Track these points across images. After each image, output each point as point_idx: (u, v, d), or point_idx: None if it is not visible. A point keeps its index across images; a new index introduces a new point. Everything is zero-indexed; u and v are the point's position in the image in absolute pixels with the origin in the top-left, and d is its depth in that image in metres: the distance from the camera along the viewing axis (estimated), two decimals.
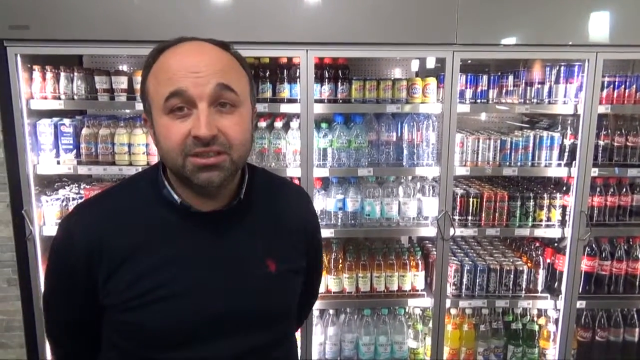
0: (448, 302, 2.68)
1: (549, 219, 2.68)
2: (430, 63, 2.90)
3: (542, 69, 2.60)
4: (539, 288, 2.73)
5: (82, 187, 2.69)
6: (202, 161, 0.97)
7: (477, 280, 2.68)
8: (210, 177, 0.98)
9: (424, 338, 2.79)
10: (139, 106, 2.44)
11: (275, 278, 1.10)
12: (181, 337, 1.02)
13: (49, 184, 2.69)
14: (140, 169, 2.45)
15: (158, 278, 1.01)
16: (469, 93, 2.58)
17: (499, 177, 2.97)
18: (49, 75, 2.43)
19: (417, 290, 2.72)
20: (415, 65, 3.04)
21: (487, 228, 2.66)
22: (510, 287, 2.69)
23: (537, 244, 2.84)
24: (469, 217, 2.67)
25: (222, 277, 1.05)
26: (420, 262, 2.73)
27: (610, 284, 2.73)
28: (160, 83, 0.98)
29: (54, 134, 2.48)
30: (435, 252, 2.68)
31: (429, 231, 2.65)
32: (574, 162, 2.58)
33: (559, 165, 2.63)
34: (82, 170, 2.50)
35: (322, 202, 2.63)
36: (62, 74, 2.45)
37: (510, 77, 2.63)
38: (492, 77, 2.60)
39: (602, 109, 2.52)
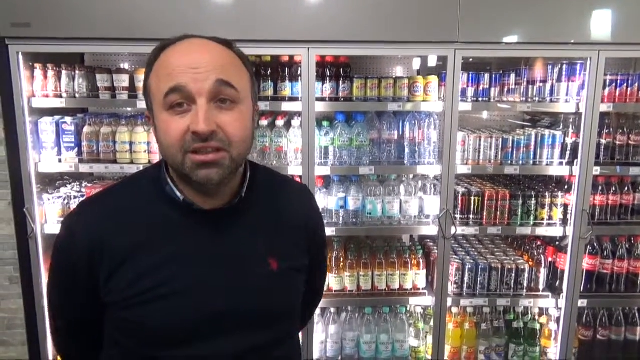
0: (449, 301, 2.68)
1: (550, 218, 2.68)
2: (432, 61, 2.89)
3: (544, 67, 2.59)
4: (541, 287, 2.73)
5: (83, 185, 2.69)
6: (200, 158, 0.97)
7: (479, 279, 2.68)
8: (209, 174, 0.98)
9: (425, 336, 2.79)
10: (141, 104, 2.45)
11: (278, 276, 1.10)
12: (182, 335, 1.02)
13: (50, 182, 2.70)
14: (141, 167, 2.45)
15: (159, 276, 1.01)
16: (470, 91, 2.58)
17: (500, 175, 2.97)
18: (50, 73, 2.44)
19: (419, 289, 2.72)
20: (416, 64, 3.03)
21: (488, 226, 2.66)
22: (512, 286, 2.69)
23: (539, 243, 2.84)
24: (471, 216, 2.67)
25: (223, 275, 1.05)
26: (421, 260, 2.73)
27: (612, 283, 2.73)
28: (160, 79, 0.98)
29: (56, 132, 2.49)
30: (436, 251, 2.68)
31: (431, 230, 2.64)
32: (575, 161, 2.58)
33: (561, 163, 2.62)
34: (84, 168, 2.50)
35: (324, 201, 2.63)
36: (64, 72, 2.45)
37: (512, 76, 2.62)
38: (493, 76, 2.60)
39: (604, 108, 2.52)
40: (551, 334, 2.76)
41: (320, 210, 2.59)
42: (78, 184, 2.72)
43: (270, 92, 2.51)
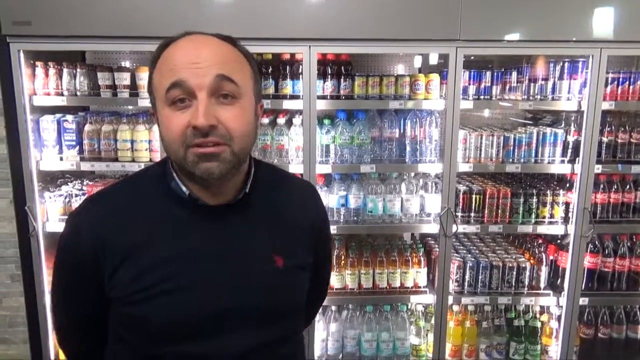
0: (450, 299, 2.68)
1: (552, 216, 2.68)
2: (433, 59, 2.89)
3: (545, 65, 2.59)
4: (542, 285, 2.73)
5: (84, 183, 2.69)
6: (201, 150, 0.97)
7: (480, 277, 2.68)
8: (210, 167, 0.98)
9: (426, 334, 2.79)
10: (142, 102, 2.45)
11: (283, 274, 1.10)
12: (186, 331, 1.02)
13: (52, 180, 2.70)
14: (142, 166, 2.46)
15: (163, 271, 1.01)
16: (472, 89, 2.57)
17: (502, 173, 2.97)
18: (51, 71, 2.44)
19: (420, 287, 2.72)
20: (418, 62, 3.03)
21: (489, 225, 2.66)
22: (513, 284, 2.69)
23: (540, 241, 2.83)
24: (472, 214, 2.66)
25: (228, 272, 1.05)
26: (422, 258, 2.73)
27: (613, 281, 2.72)
28: (163, 75, 0.99)
29: (57, 130, 2.49)
30: (437, 249, 2.68)
31: (432, 228, 2.64)
32: (577, 159, 2.57)
33: (562, 161, 2.62)
34: (85, 166, 2.51)
35: (325, 199, 2.63)
36: (65, 70, 2.45)
37: (514, 74, 2.62)
38: (495, 74, 2.59)
39: (606, 105, 2.51)
40: (552, 332, 2.76)
41: None
42: (79, 182, 2.72)
43: (271, 90, 2.51)
